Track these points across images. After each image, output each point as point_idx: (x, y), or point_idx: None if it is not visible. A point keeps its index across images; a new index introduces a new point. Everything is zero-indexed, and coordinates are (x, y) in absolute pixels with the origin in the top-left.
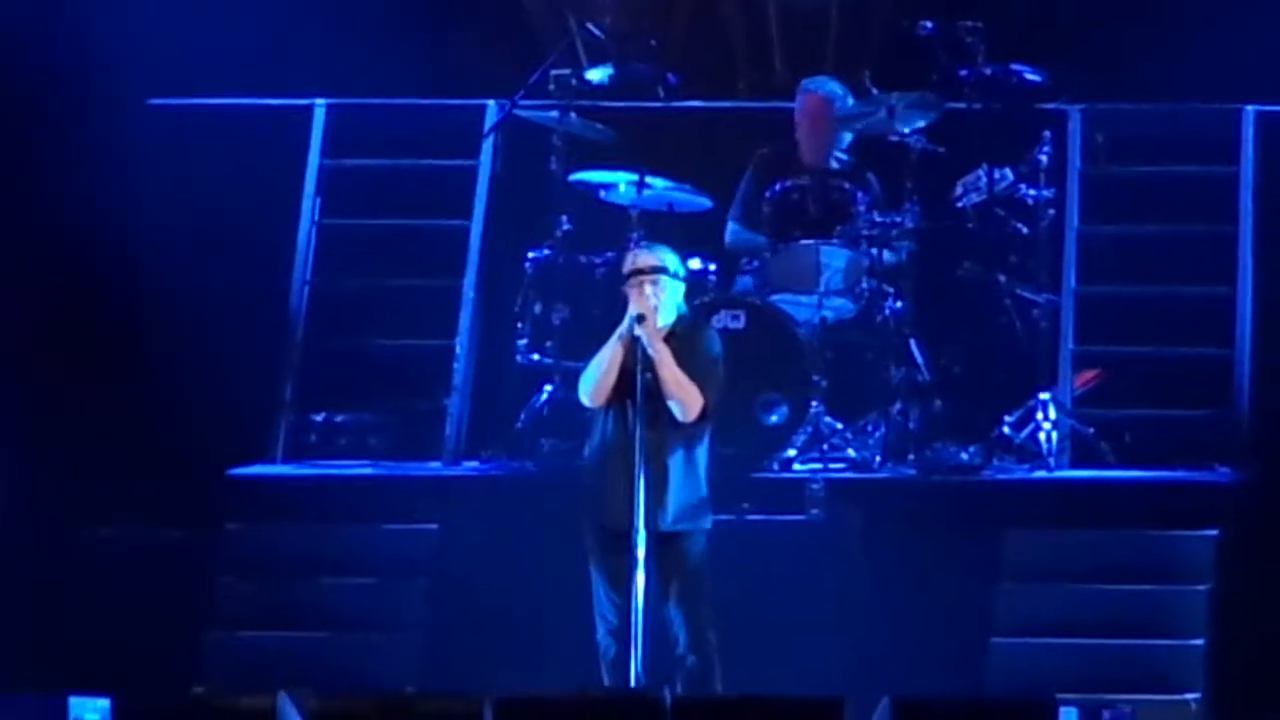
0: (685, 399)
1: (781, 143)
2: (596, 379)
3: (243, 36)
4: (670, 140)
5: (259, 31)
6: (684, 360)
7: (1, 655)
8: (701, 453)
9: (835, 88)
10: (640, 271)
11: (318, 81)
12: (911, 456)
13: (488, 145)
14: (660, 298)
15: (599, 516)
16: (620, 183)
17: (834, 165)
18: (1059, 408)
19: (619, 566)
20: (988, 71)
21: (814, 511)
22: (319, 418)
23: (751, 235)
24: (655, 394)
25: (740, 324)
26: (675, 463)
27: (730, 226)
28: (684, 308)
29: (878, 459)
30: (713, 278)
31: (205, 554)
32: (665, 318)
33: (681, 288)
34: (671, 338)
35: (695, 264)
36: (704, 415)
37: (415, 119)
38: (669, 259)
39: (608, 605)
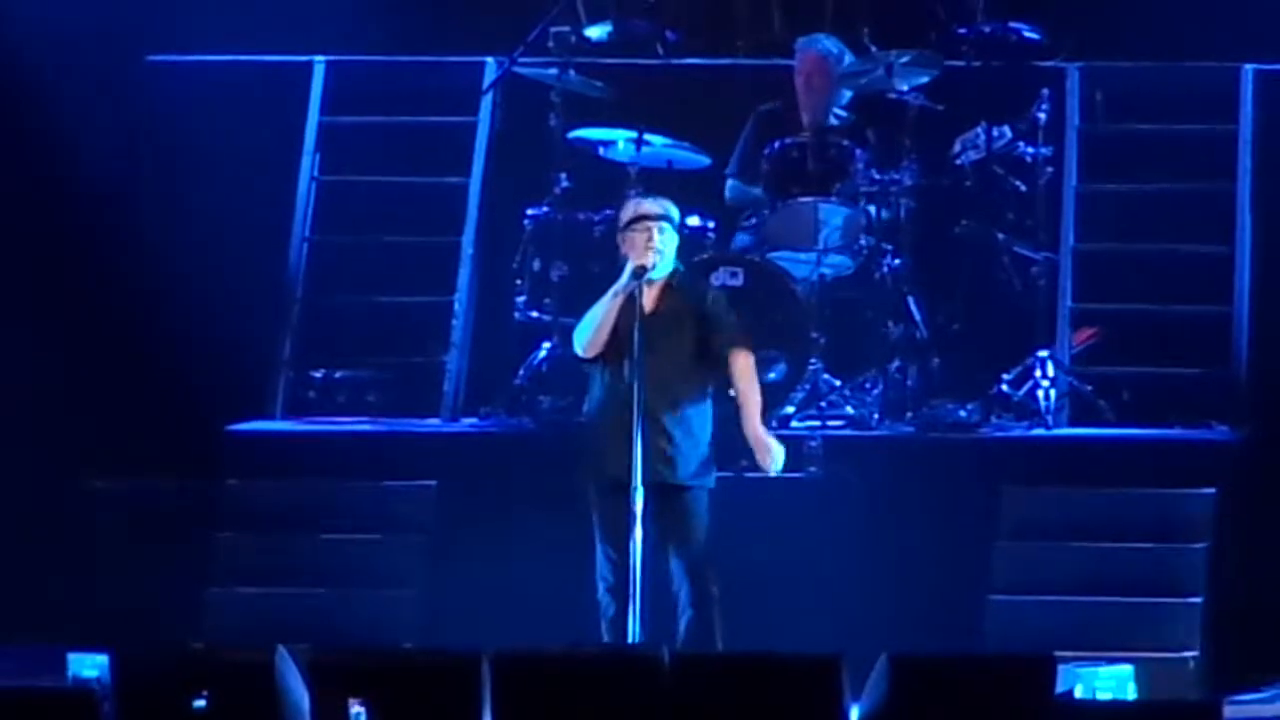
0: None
1: (781, 100)
2: (593, 331)
3: None
4: (669, 97)
5: None
6: (693, 313)
7: (1, 609)
8: (706, 408)
9: (830, 45)
10: (646, 217)
11: (317, 38)
12: (909, 414)
13: (486, 102)
14: (665, 246)
15: (601, 470)
16: (619, 140)
17: (833, 122)
18: (1057, 365)
19: (619, 521)
20: (986, 29)
21: (812, 469)
22: (318, 374)
23: (750, 189)
24: (656, 347)
25: (739, 281)
26: (679, 417)
27: (730, 183)
28: (679, 263)
29: (876, 416)
30: (711, 235)
31: (204, 510)
32: (665, 267)
33: (678, 240)
34: (669, 291)
35: (694, 221)
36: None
37: (414, 76)
38: (671, 208)
39: (606, 562)
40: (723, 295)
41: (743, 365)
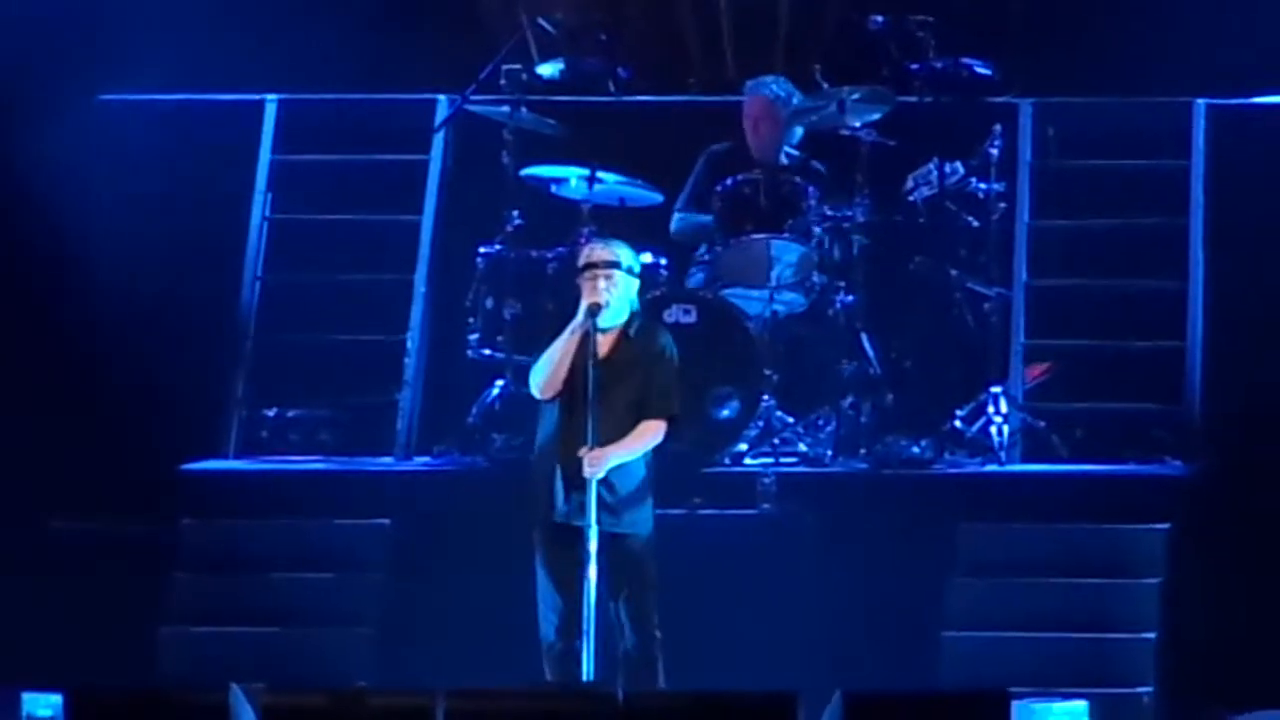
0: (648, 446)
1: (733, 137)
2: (548, 371)
3: (193, 31)
4: (621, 135)
5: (210, 27)
6: (643, 364)
7: None
8: (647, 457)
9: (778, 89)
10: (593, 265)
11: (269, 77)
12: (863, 450)
13: (439, 140)
14: (613, 293)
15: (547, 515)
16: (571, 178)
17: (784, 161)
18: (1010, 401)
19: (562, 562)
20: (938, 65)
21: (765, 506)
22: (271, 413)
23: (696, 217)
24: (605, 394)
25: (692, 318)
26: (621, 465)
27: (675, 216)
28: (636, 304)
29: (829, 453)
30: (664, 272)
31: (158, 549)
32: (617, 314)
33: (635, 284)
34: (625, 339)
35: (647, 258)
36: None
37: (366, 114)
38: (624, 254)
39: (550, 608)
40: (673, 356)
41: (650, 432)
